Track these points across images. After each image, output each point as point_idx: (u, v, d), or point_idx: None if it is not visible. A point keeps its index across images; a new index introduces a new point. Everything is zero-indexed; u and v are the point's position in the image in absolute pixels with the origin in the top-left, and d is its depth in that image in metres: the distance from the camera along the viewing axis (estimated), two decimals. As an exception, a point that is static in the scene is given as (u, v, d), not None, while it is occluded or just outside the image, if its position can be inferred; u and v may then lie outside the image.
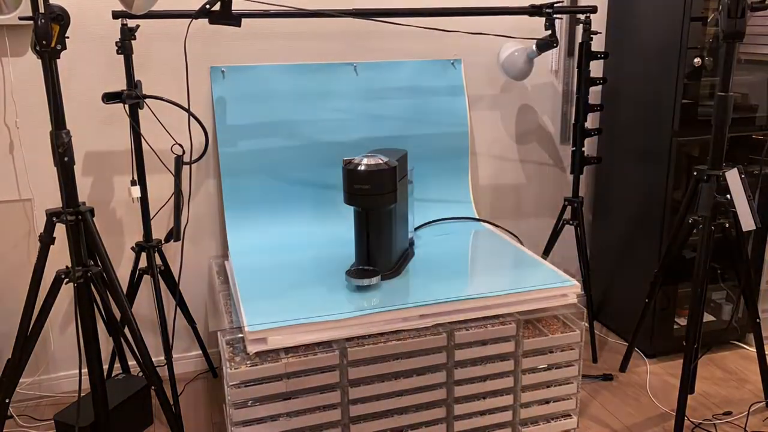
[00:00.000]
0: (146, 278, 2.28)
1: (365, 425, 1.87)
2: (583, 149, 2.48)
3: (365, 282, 1.92)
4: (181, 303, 2.32)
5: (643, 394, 2.39)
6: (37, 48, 1.57)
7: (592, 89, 2.70)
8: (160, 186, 2.37)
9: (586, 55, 2.38)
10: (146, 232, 2.19)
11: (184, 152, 2.26)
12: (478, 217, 2.57)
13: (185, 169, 2.22)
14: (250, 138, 2.34)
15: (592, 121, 2.81)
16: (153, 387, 1.91)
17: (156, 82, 2.28)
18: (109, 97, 1.99)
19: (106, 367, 2.31)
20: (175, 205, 2.12)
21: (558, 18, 2.64)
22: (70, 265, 1.74)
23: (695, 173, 2.08)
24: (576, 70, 2.49)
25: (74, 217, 1.71)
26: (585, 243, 2.52)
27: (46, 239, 1.80)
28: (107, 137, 2.29)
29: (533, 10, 2.27)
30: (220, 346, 1.87)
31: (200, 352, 2.53)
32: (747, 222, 2.01)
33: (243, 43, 2.34)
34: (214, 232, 2.47)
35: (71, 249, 1.72)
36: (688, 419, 2.22)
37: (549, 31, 2.30)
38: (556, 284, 1.97)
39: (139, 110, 2.10)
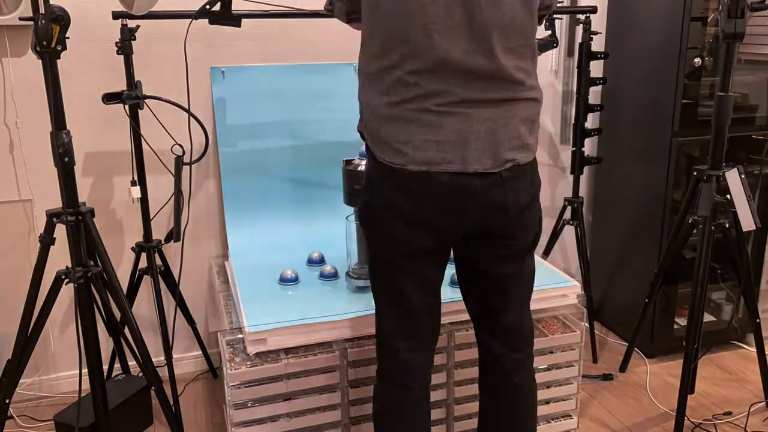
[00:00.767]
0: (146, 278, 2.28)
1: (365, 426, 1.87)
2: (583, 149, 2.48)
3: (365, 282, 1.92)
4: (181, 303, 2.32)
5: (643, 394, 2.39)
6: (38, 48, 1.57)
7: (592, 89, 2.70)
8: (160, 186, 2.37)
9: (586, 55, 2.38)
10: (146, 233, 2.19)
11: (184, 152, 2.26)
12: (478, 217, 2.56)
13: (185, 169, 2.22)
14: (250, 138, 2.34)
15: (592, 121, 2.81)
16: (153, 387, 1.91)
17: (156, 83, 2.28)
18: (109, 98, 1.99)
19: (106, 367, 2.31)
20: (175, 205, 2.12)
21: (558, 18, 2.64)
22: (70, 266, 1.74)
23: (695, 173, 2.08)
24: (576, 70, 2.49)
25: (74, 217, 1.71)
26: (585, 243, 2.52)
27: (46, 240, 1.80)
28: (107, 138, 2.29)
29: (533, 10, 2.26)
30: (220, 346, 1.87)
31: (200, 352, 2.53)
32: (747, 222, 2.01)
33: (243, 43, 2.34)
34: (214, 232, 2.47)
35: (71, 249, 1.72)
36: (688, 419, 2.22)
37: (549, 31, 2.30)
38: (556, 284, 1.97)
39: (139, 111, 2.10)
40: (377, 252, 1.44)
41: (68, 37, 1.62)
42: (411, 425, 1.49)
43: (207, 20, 1.90)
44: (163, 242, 2.23)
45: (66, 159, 1.66)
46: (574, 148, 2.48)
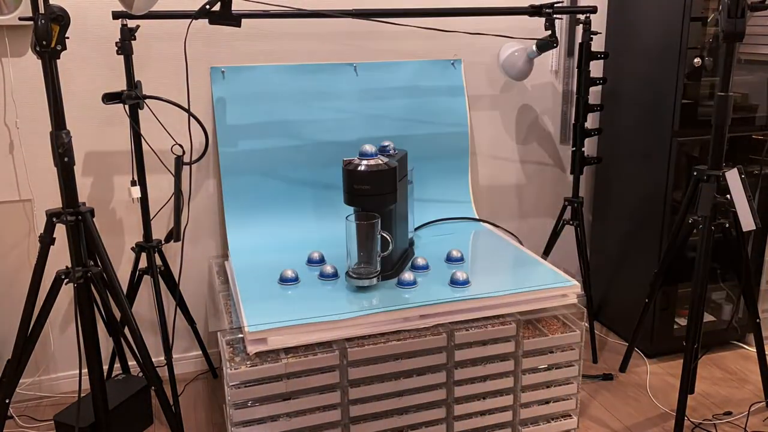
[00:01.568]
0: (146, 278, 2.28)
1: (365, 425, 1.87)
2: (583, 149, 2.48)
3: (365, 282, 1.92)
4: (181, 303, 2.32)
5: (643, 394, 2.39)
6: (37, 48, 1.57)
7: (592, 89, 2.70)
8: (160, 186, 2.37)
9: (586, 55, 2.38)
10: (146, 233, 2.19)
11: (184, 152, 2.26)
12: (478, 217, 2.57)
13: (185, 169, 2.22)
14: (250, 138, 2.34)
15: (592, 121, 2.81)
16: (153, 387, 1.91)
17: (156, 83, 2.28)
18: (109, 98, 1.99)
19: (106, 367, 2.31)
20: (175, 205, 2.12)
21: (558, 18, 2.64)
22: (70, 266, 1.74)
23: (695, 173, 2.08)
24: (576, 70, 2.49)
25: (74, 217, 1.71)
26: (585, 243, 2.52)
27: (46, 239, 1.80)
28: (107, 137, 2.29)
29: (533, 10, 2.27)
30: (220, 346, 1.87)
31: (200, 352, 2.53)
32: (747, 222, 2.01)
33: (243, 43, 2.34)
34: (214, 232, 2.47)
35: (71, 249, 1.72)
36: (688, 419, 2.22)
37: (549, 31, 2.30)
38: (556, 284, 1.97)
39: (139, 110, 2.10)
40: None
41: (68, 37, 1.62)
42: None
43: (207, 20, 1.90)
44: (163, 242, 2.23)
45: (66, 159, 1.66)
46: (574, 148, 2.48)
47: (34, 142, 2.22)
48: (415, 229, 2.45)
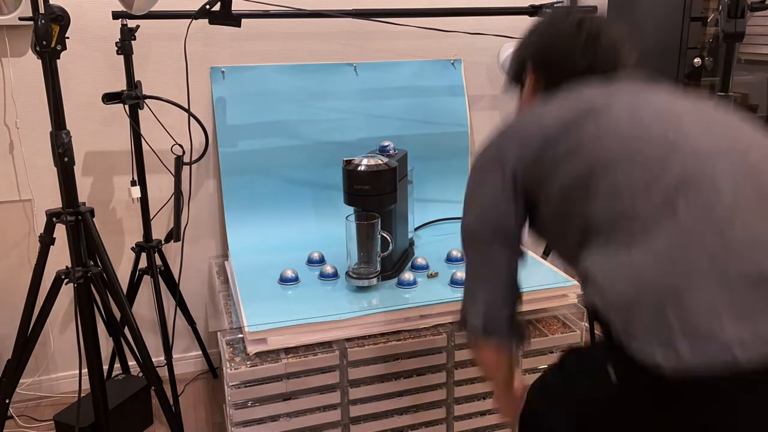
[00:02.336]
0: (146, 278, 2.28)
1: (365, 425, 1.87)
2: (583, 149, 2.47)
3: (365, 282, 1.92)
4: (181, 303, 2.32)
5: (643, 394, 2.39)
6: (37, 48, 1.57)
7: (592, 89, 2.69)
8: (160, 186, 2.37)
9: (586, 55, 2.38)
10: (146, 233, 2.19)
11: (184, 152, 2.26)
12: (478, 217, 2.56)
13: (185, 169, 2.22)
14: (250, 138, 2.34)
15: (592, 121, 2.80)
16: (153, 387, 1.91)
17: (156, 82, 2.28)
18: (109, 98, 1.99)
19: (106, 367, 2.31)
20: (175, 205, 2.12)
21: (558, 18, 2.64)
22: (70, 266, 1.74)
23: (695, 173, 2.07)
24: (576, 70, 2.49)
25: (74, 217, 1.71)
26: (585, 243, 2.51)
27: (46, 239, 1.80)
28: (107, 137, 2.29)
29: (533, 10, 2.27)
30: (220, 346, 1.87)
31: (200, 352, 2.53)
32: (747, 222, 2.01)
33: (243, 43, 2.34)
34: (214, 232, 2.47)
35: (71, 249, 1.72)
36: (688, 419, 2.22)
37: (549, 31, 2.30)
38: (556, 284, 1.97)
39: (139, 110, 2.10)
40: None
41: (68, 37, 1.62)
42: None
43: (207, 20, 1.91)
44: (163, 242, 2.23)
45: (66, 159, 1.66)
46: (574, 148, 2.48)
47: (34, 142, 2.22)
48: (415, 229, 2.45)
